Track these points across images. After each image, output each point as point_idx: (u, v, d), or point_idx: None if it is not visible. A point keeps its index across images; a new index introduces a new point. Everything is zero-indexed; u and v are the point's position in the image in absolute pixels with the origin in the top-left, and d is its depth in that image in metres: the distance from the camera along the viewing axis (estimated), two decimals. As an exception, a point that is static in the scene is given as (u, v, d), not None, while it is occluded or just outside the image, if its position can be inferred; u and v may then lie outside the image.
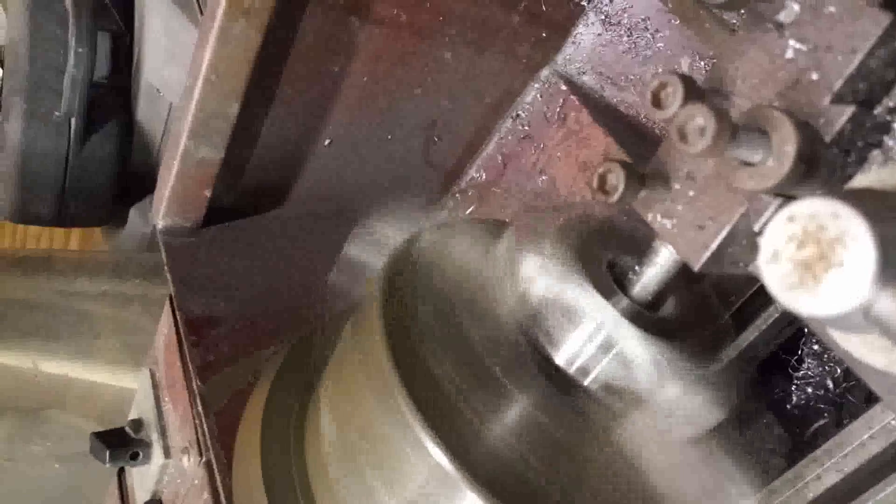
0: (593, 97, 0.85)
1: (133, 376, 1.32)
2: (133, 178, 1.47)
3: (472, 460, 0.40)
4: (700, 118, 0.32)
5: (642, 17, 0.81)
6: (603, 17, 0.83)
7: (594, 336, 0.42)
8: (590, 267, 0.44)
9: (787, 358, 0.72)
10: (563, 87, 0.86)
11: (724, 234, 0.39)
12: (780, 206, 0.38)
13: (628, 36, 0.83)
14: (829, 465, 0.54)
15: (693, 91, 0.34)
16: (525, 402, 0.42)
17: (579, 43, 0.85)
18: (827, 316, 0.27)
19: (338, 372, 0.49)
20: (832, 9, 0.35)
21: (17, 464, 1.38)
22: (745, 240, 0.39)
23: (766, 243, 0.29)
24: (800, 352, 0.72)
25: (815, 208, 0.27)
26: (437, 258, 0.48)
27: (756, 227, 0.39)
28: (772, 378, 0.73)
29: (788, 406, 0.72)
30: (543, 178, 0.86)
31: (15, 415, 1.32)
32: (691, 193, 0.40)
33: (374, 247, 0.50)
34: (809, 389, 0.71)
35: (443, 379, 0.41)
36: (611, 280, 0.44)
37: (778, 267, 0.28)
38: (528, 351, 0.44)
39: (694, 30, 0.75)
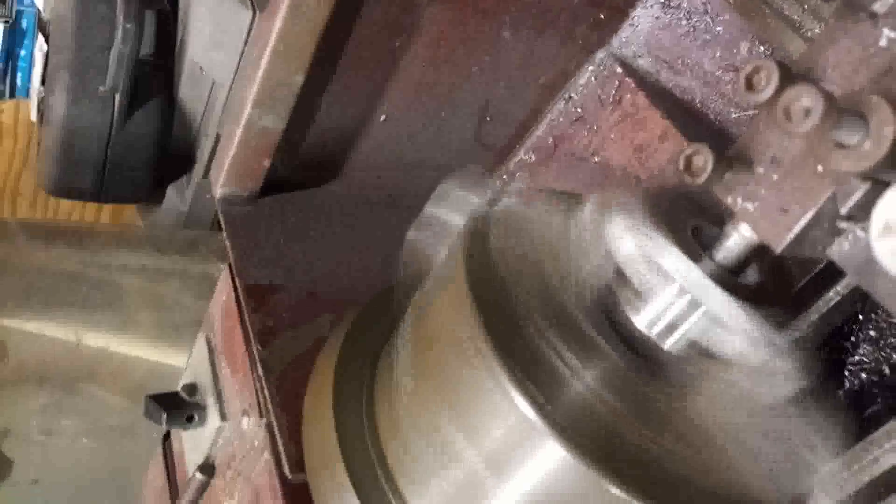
0: (649, 81, 0.85)
1: (169, 351, 1.34)
2: (171, 157, 1.48)
3: (557, 412, 0.40)
4: (807, 98, 0.33)
5: (702, 0, 0.81)
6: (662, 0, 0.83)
7: (680, 296, 0.43)
8: (676, 230, 0.44)
9: (842, 343, 0.72)
10: (619, 70, 0.86)
11: (808, 216, 0.39)
12: (868, 191, 0.38)
13: (687, 20, 0.83)
14: (888, 448, 0.54)
15: (789, 76, 0.35)
16: (612, 356, 0.42)
17: (637, 25, 0.85)
18: None
19: (419, 329, 0.49)
20: (930, -3, 0.36)
21: (50, 437, 1.40)
22: (827, 223, 0.40)
23: (877, 217, 0.29)
24: (854, 338, 0.72)
25: None
26: (520, 219, 0.48)
27: (843, 211, 0.39)
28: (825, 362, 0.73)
29: (841, 392, 0.72)
30: (596, 160, 0.86)
31: (53, 387, 1.34)
32: (776, 177, 0.40)
33: (453, 207, 0.51)
34: (864, 375, 0.71)
35: (529, 330, 0.42)
36: (696, 244, 0.44)
37: (891, 240, 0.28)
38: (611, 309, 0.44)
39: (756, 25, 0.75)
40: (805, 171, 0.39)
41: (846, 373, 0.72)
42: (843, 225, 0.40)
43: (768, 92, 0.34)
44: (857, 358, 0.71)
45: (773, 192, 0.40)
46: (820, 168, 0.39)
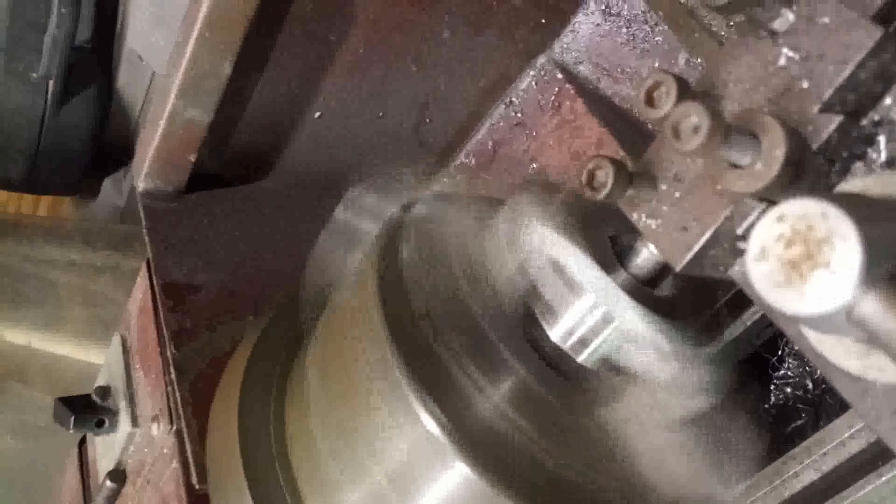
0: (588, 88, 0.85)
1: (99, 350, 1.29)
2: (108, 148, 1.43)
3: (462, 430, 0.39)
4: (695, 116, 0.32)
5: (642, 9, 0.80)
6: (603, 6, 0.83)
7: (593, 309, 0.42)
8: (592, 240, 0.43)
9: (767, 357, 0.72)
10: (559, 76, 0.85)
11: (707, 235, 0.38)
12: (764, 211, 0.38)
13: (627, 28, 0.82)
14: (808, 464, 0.54)
15: (686, 91, 0.34)
16: (521, 372, 0.41)
17: (578, 31, 0.84)
18: (811, 315, 0.27)
19: (327, 338, 0.47)
20: (826, 19, 0.35)
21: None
22: (726, 243, 0.39)
23: (754, 241, 0.28)
24: (780, 352, 0.73)
25: (804, 208, 0.27)
26: (434, 226, 0.46)
27: (739, 231, 0.39)
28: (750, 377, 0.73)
29: (766, 405, 0.72)
30: (534, 165, 0.86)
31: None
32: (677, 195, 0.40)
33: (365, 213, 0.49)
34: (788, 389, 0.72)
35: (438, 346, 0.40)
36: (612, 254, 0.43)
37: (765, 265, 0.28)
38: (526, 321, 0.43)
39: (683, 37, 0.75)
40: (704, 190, 0.39)
41: (772, 387, 0.72)
42: (742, 245, 0.40)
43: (667, 107, 0.33)
44: (782, 372, 0.71)
45: (675, 210, 0.40)
46: (718, 187, 0.38)
